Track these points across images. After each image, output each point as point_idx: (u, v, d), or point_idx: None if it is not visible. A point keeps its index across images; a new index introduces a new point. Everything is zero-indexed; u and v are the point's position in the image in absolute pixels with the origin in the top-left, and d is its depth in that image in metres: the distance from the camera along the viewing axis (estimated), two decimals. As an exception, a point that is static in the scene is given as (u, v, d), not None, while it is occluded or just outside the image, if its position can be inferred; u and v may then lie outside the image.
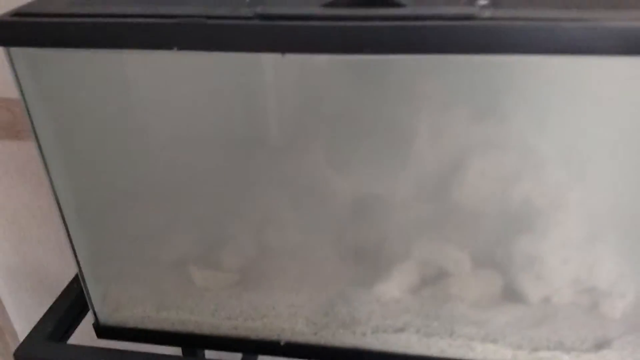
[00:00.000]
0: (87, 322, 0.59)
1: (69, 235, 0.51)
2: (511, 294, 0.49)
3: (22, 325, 1.13)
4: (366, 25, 0.36)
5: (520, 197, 0.46)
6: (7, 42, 0.42)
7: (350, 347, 0.52)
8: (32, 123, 0.46)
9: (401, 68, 0.40)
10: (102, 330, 0.56)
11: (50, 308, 0.59)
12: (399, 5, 0.37)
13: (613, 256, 0.48)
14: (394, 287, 0.51)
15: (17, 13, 0.42)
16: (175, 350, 0.77)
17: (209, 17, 0.38)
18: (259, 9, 0.38)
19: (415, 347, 0.51)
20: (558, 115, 0.41)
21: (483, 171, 0.46)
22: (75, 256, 0.52)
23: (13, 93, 0.81)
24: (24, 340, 0.56)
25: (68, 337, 0.58)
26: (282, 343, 0.53)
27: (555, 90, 0.39)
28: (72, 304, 0.60)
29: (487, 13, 0.35)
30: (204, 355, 0.73)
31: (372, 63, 0.39)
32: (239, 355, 0.62)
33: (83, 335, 0.60)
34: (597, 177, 0.44)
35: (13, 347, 1.05)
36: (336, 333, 0.52)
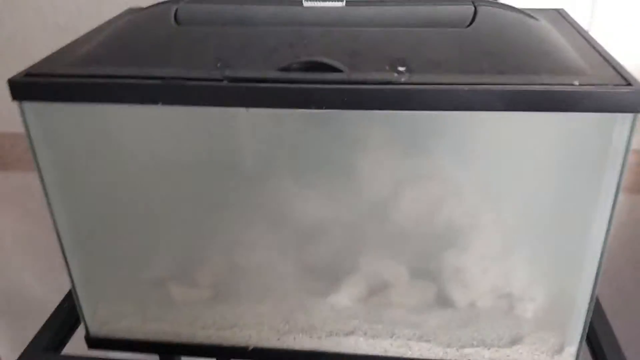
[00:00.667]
0: (78, 335, 0.67)
1: (65, 258, 0.59)
2: (442, 300, 0.59)
3: (5, 350, 1.19)
4: (312, 87, 0.46)
5: (445, 219, 0.56)
6: (20, 98, 0.51)
7: (308, 350, 0.61)
8: (36, 162, 0.54)
9: (341, 120, 0.49)
10: (93, 342, 0.64)
11: (45, 323, 0.67)
12: (338, 71, 0.47)
13: (524, 267, 0.58)
14: (344, 297, 0.60)
15: (27, 74, 0.51)
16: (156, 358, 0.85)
17: (187, 79, 0.48)
18: (227, 72, 0.48)
19: (363, 348, 0.60)
20: (467, 155, 0.52)
21: (415, 199, 0.55)
22: (70, 276, 0.60)
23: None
24: (24, 352, 0.64)
25: (62, 348, 0.66)
26: (249, 348, 0.61)
27: (462, 136, 0.50)
28: (64, 319, 0.67)
29: (403, 79, 0.45)
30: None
31: (319, 116, 0.49)
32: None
33: (76, 346, 0.67)
34: (505, 202, 0.54)
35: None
36: (296, 338, 0.61)
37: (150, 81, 0.48)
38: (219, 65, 0.49)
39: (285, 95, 0.47)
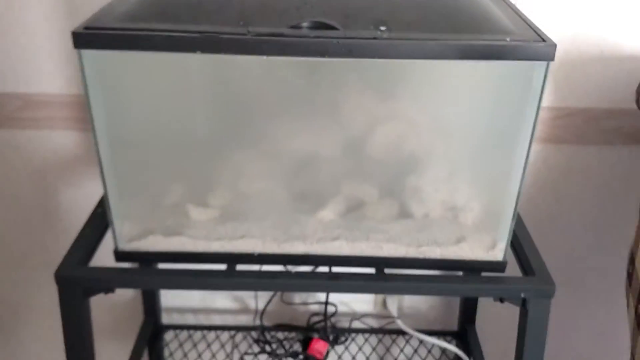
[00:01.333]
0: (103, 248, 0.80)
1: (104, 182, 0.72)
2: (404, 213, 0.76)
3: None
4: (315, 40, 0.61)
5: (408, 151, 0.73)
6: (80, 46, 0.63)
7: (303, 253, 0.77)
8: (88, 99, 0.67)
9: (335, 68, 0.65)
10: (121, 255, 0.77)
11: (76, 239, 0.80)
12: (335, 29, 0.63)
13: (465, 186, 0.76)
14: (329, 212, 0.76)
15: (86, 27, 0.63)
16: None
17: (219, 33, 0.62)
18: (251, 29, 0.62)
19: (345, 250, 0.77)
20: (425, 98, 0.69)
21: (385, 135, 0.72)
22: (107, 197, 0.73)
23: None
24: (60, 264, 0.76)
25: (90, 261, 0.79)
26: (255, 254, 0.77)
27: (422, 83, 0.67)
28: (90, 236, 0.80)
29: (384, 35, 0.61)
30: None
31: (318, 64, 0.64)
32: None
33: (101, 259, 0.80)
34: (452, 136, 0.72)
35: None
36: (293, 244, 0.76)
37: (190, 34, 0.62)
38: (241, 23, 0.64)
39: (295, 46, 0.62)
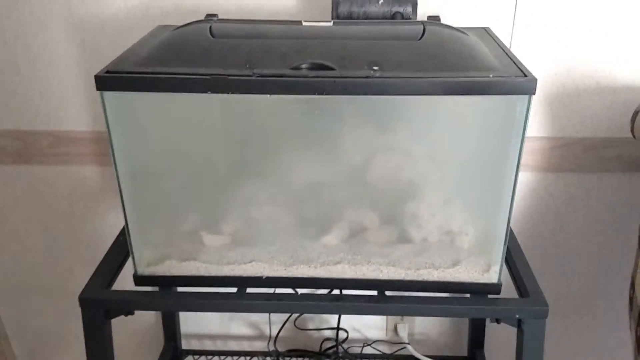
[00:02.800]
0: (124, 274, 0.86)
1: (125, 214, 0.79)
2: (403, 237, 0.81)
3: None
4: (314, 80, 0.68)
5: (405, 179, 0.78)
6: (102, 88, 0.70)
7: (308, 276, 0.82)
8: (110, 136, 0.74)
9: (333, 104, 0.71)
10: (140, 279, 0.83)
11: (100, 265, 0.86)
12: (333, 69, 0.69)
13: (460, 212, 0.80)
14: (333, 237, 0.81)
15: (107, 71, 0.71)
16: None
17: (227, 75, 0.69)
18: (255, 71, 0.69)
19: (347, 273, 0.82)
20: (420, 130, 0.74)
21: (384, 165, 0.78)
22: (127, 227, 0.80)
23: (24, 126, 1.11)
24: (84, 288, 0.82)
25: (112, 285, 0.85)
26: (264, 277, 0.82)
27: (414, 117, 0.73)
28: (112, 262, 0.87)
29: (377, 74, 0.67)
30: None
31: (318, 101, 0.71)
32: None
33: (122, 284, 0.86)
34: (446, 165, 0.77)
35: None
36: (299, 268, 0.82)
37: (201, 76, 0.69)
38: (247, 65, 0.70)
39: (296, 85, 0.68)
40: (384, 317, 1.28)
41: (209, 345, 1.33)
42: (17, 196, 1.19)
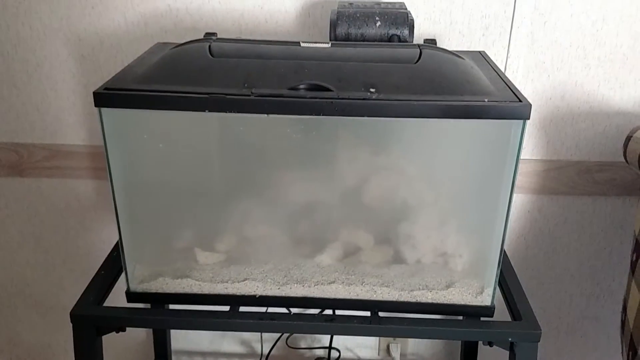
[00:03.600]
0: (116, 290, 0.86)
1: (119, 231, 0.78)
2: (397, 258, 0.81)
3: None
4: (312, 100, 0.68)
5: (400, 200, 0.79)
6: (100, 105, 0.71)
7: (301, 296, 0.82)
8: (106, 152, 0.74)
9: (329, 125, 0.72)
10: (132, 296, 0.83)
11: (92, 281, 0.85)
12: (330, 90, 0.69)
13: (454, 234, 0.80)
14: (327, 257, 0.81)
15: (106, 88, 0.71)
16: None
17: (225, 94, 0.69)
18: (254, 90, 0.69)
19: (341, 293, 0.81)
20: (415, 152, 0.75)
21: (379, 186, 0.78)
22: (121, 244, 0.79)
23: (20, 138, 1.12)
24: (76, 304, 0.82)
25: (104, 301, 0.84)
26: (257, 296, 0.82)
27: (412, 138, 0.73)
28: (105, 277, 0.86)
29: (373, 96, 0.68)
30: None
31: (314, 121, 0.71)
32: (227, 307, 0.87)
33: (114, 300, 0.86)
34: (440, 187, 0.78)
35: None
36: (292, 287, 0.81)
37: (199, 95, 0.69)
38: (245, 85, 0.71)
39: (293, 106, 0.69)
40: (376, 337, 1.28)
41: (199, 363, 1.33)
42: (10, 208, 1.19)
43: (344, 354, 1.26)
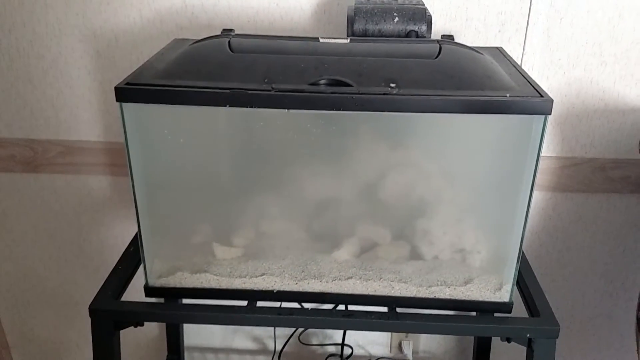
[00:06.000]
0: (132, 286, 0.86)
1: (139, 225, 0.78)
2: (415, 254, 0.81)
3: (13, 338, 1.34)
4: (332, 96, 0.68)
5: (418, 196, 0.79)
6: (122, 100, 0.71)
7: (319, 291, 0.82)
8: (127, 147, 0.74)
9: (349, 120, 0.72)
10: (151, 290, 0.83)
11: (110, 275, 0.86)
12: (349, 85, 0.70)
13: (472, 230, 0.80)
14: (344, 253, 0.81)
15: (127, 83, 0.71)
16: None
17: (246, 89, 0.69)
18: (274, 86, 0.69)
19: (359, 289, 0.82)
20: (433, 147, 0.75)
21: (397, 181, 0.78)
22: (140, 235, 0.79)
23: (35, 135, 1.12)
24: (94, 298, 0.82)
25: (122, 296, 0.84)
26: (274, 291, 0.82)
27: (430, 134, 0.73)
28: (122, 272, 0.87)
29: (394, 92, 0.68)
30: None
31: (334, 117, 0.71)
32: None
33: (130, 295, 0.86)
34: (459, 183, 0.78)
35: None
36: (310, 282, 0.82)
37: (221, 90, 0.69)
38: (266, 80, 0.71)
39: (314, 101, 0.69)
40: (388, 334, 1.28)
41: (211, 359, 1.33)
42: (24, 204, 1.19)
43: (356, 351, 1.26)
